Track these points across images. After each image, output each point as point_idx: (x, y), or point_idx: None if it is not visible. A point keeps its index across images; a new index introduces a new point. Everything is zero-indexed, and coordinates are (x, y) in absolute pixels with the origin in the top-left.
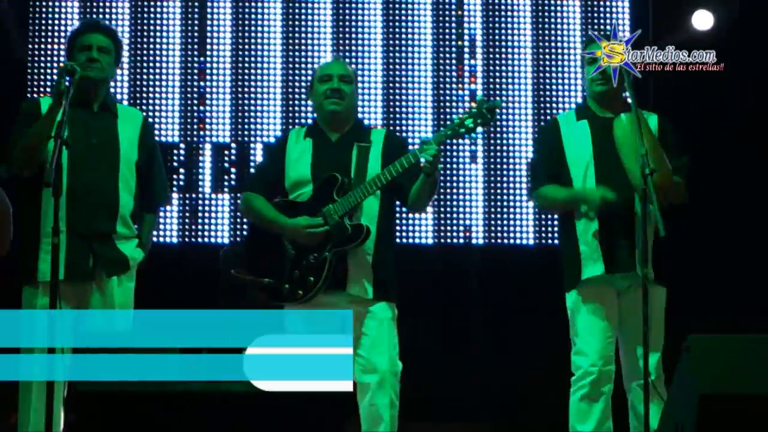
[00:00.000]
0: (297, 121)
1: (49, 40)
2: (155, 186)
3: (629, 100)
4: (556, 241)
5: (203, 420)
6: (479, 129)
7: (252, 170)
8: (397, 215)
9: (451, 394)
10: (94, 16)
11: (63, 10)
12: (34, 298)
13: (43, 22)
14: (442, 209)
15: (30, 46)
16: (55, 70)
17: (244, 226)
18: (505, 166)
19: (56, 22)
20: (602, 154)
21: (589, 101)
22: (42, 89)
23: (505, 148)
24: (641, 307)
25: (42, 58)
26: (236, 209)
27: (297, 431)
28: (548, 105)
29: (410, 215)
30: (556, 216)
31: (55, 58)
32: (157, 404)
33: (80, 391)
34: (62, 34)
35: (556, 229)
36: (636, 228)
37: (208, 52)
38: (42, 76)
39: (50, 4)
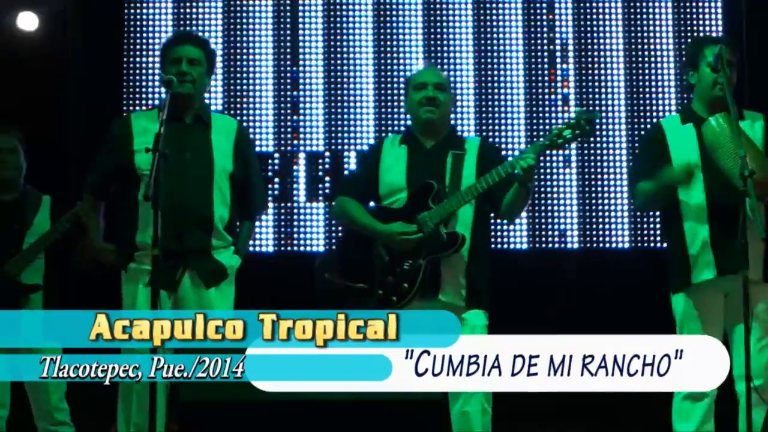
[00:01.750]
0: (390, 128)
1: (144, 52)
2: (253, 194)
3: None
4: (652, 244)
5: (301, 428)
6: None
7: (345, 175)
8: (492, 221)
9: (548, 398)
10: (188, 27)
11: (157, 21)
12: (134, 285)
13: (138, 34)
14: (536, 214)
15: (125, 58)
16: (150, 83)
17: (339, 234)
18: (599, 170)
19: (150, 34)
20: (710, 158)
21: (695, 104)
22: (137, 102)
23: (598, 151)
24: (753, 307)
25: (137, 70)
26: (331, 218)
27: None
28: (642, 107)
29: (505, 221)
30: (653, 219)
31: (150, 71)
32: (262, 413)
33: (184, 401)
34: (156, 46)
35: (652, 232)
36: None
37: (301, 62)
38: (137, 89)
39: (144, 15)
